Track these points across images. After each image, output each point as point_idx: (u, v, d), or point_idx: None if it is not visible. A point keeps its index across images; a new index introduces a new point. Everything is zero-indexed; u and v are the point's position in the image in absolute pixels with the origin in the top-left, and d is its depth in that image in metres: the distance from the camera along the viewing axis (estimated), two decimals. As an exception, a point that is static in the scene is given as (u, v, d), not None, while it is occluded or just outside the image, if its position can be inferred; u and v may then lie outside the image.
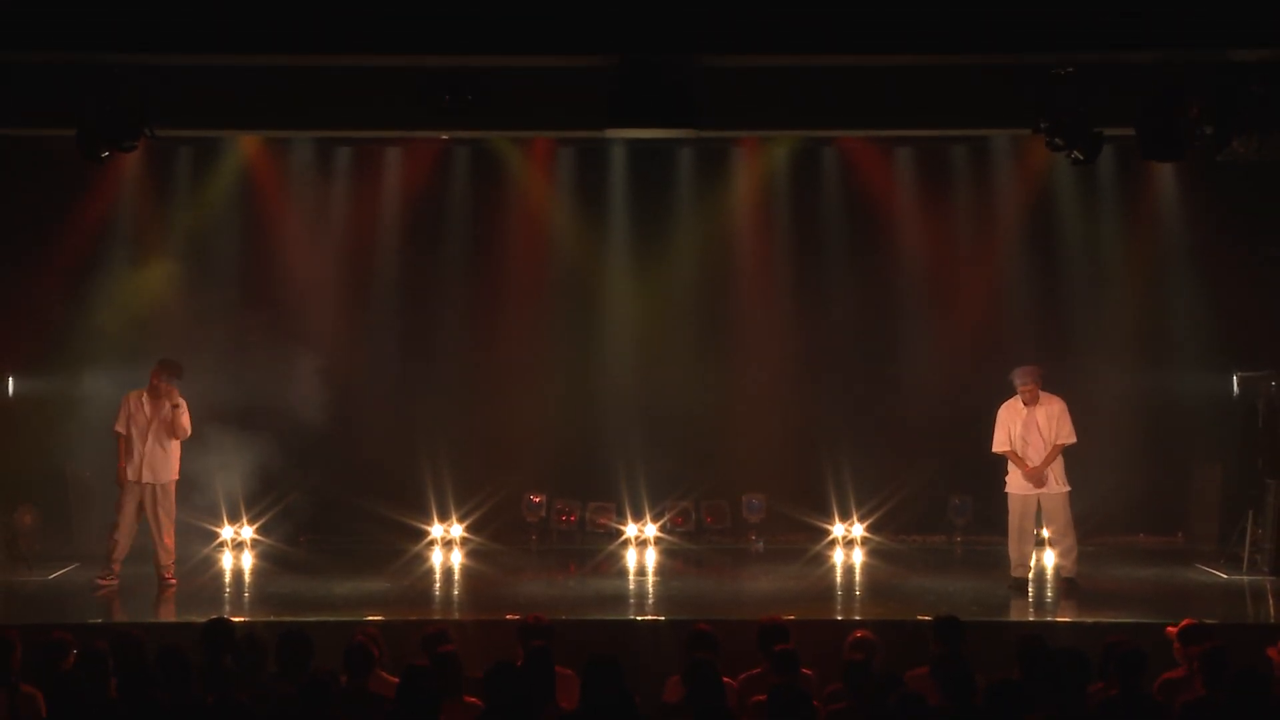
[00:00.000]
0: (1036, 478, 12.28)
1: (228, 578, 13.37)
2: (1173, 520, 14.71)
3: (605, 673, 7.24)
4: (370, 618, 10.63)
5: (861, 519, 14.60)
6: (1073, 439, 12.33)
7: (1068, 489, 12.37)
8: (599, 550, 14.30)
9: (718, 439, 15.00)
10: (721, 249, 15.12)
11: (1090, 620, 11.15)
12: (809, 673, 8.26)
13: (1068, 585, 12.27)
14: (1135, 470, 14.29)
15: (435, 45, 10.43)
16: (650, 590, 12.80)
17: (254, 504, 14.22)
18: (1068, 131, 11.01)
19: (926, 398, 14.76)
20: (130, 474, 12.40)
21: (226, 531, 14.22)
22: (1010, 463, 12.43)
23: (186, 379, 12.69)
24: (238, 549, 14.22)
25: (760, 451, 14.85)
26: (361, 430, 14.82)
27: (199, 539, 13.89)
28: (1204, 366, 14.59)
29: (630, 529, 14.64)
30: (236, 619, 10.11)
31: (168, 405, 12.38)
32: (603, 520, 14.79)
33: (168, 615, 11.72)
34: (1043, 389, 12.42)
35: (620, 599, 12.41)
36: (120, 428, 12.45)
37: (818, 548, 14.35)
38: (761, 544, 14.66)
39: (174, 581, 12.44)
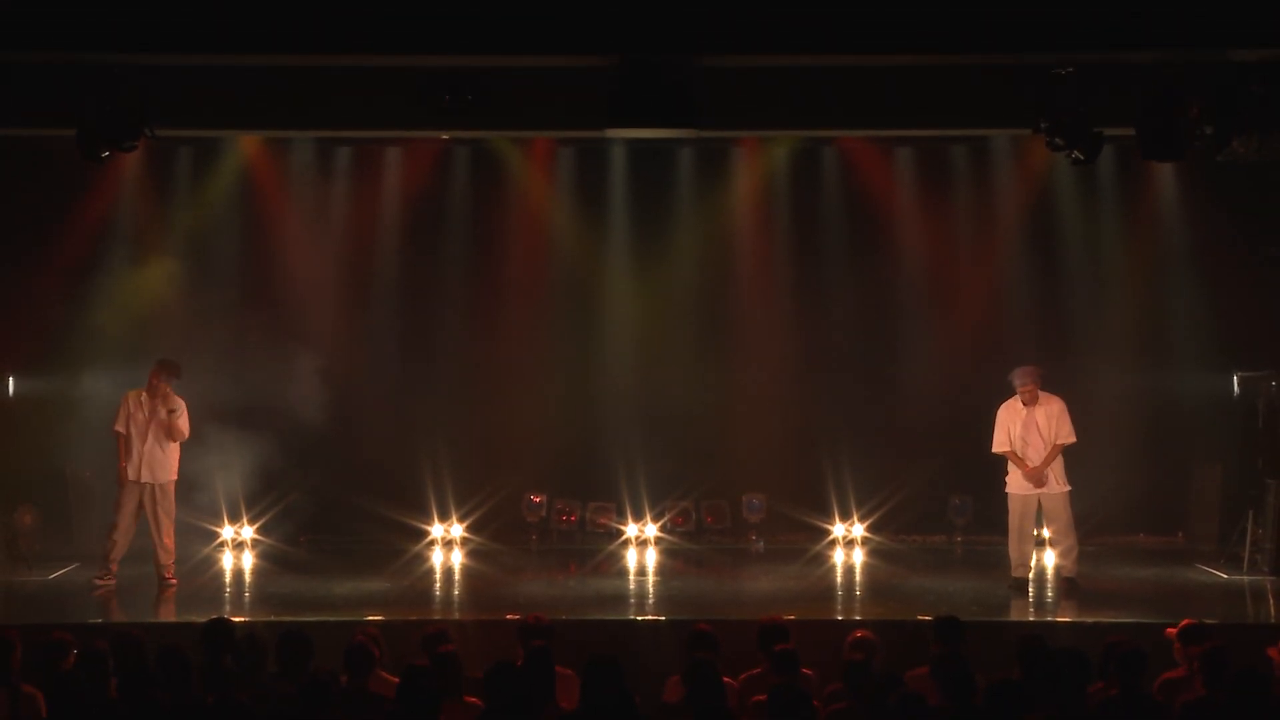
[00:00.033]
0: (1036, 478, 12.28)
1: (228, 578, 13.37)
2: (1173, 520, 14.71)
3: (605, 673, 7.23)
4: (370, 618, 10.62)
5: (861, 519, 14.60)
6: (1072, 438, 12.33)
7: (1068, 488, 12.37)
8: (599, 550, 14.30)
9: (718, 439, 15.00)
10: (721, 249, 15.12)
11: (1090, 620, 11.15)
12: (809, 673, 8.25)
13: (1068, 585, 12.27)
14: (1135, 470, 14.28)
15: (435, 45, 10.43)
16: (650, 590, 12.80)
17: (254, 504, 14.22)
18: (1068, 131, 11.01)
19: (926, 397, 14.76)
20: (130, 473, 12.41)
21: (227, 531, 14.22)
22: (1010, 463, 12.44)
23: (186, 379, 12.70)
24: (238, 549, 14.22)
25: (760, 451, 14.85)
26: (361, 430, 14.82)
27: (199, 539, 13.90)
28: (1204, 366, 14.58)
29: (630, 529, 14.64)
30: (236, 619, 10.11)
31: (163, 410, 12.38)
32: (603, 520, 14.79)
33: (168, 615, 11.73)
34: (1042, 389, 12.42)
35: (620, 599, 12.41)
36: (120, 427, 12.45)
37: (818, 548, 14.35)
38: (761, 544, 14.66)
39: (174, 581, 12.44)
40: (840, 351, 14.96)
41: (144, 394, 12.51)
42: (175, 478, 12.56)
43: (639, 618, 11.36)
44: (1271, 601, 12.33)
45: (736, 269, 15.16)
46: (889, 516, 14.52)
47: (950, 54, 10.64)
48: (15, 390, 14.61)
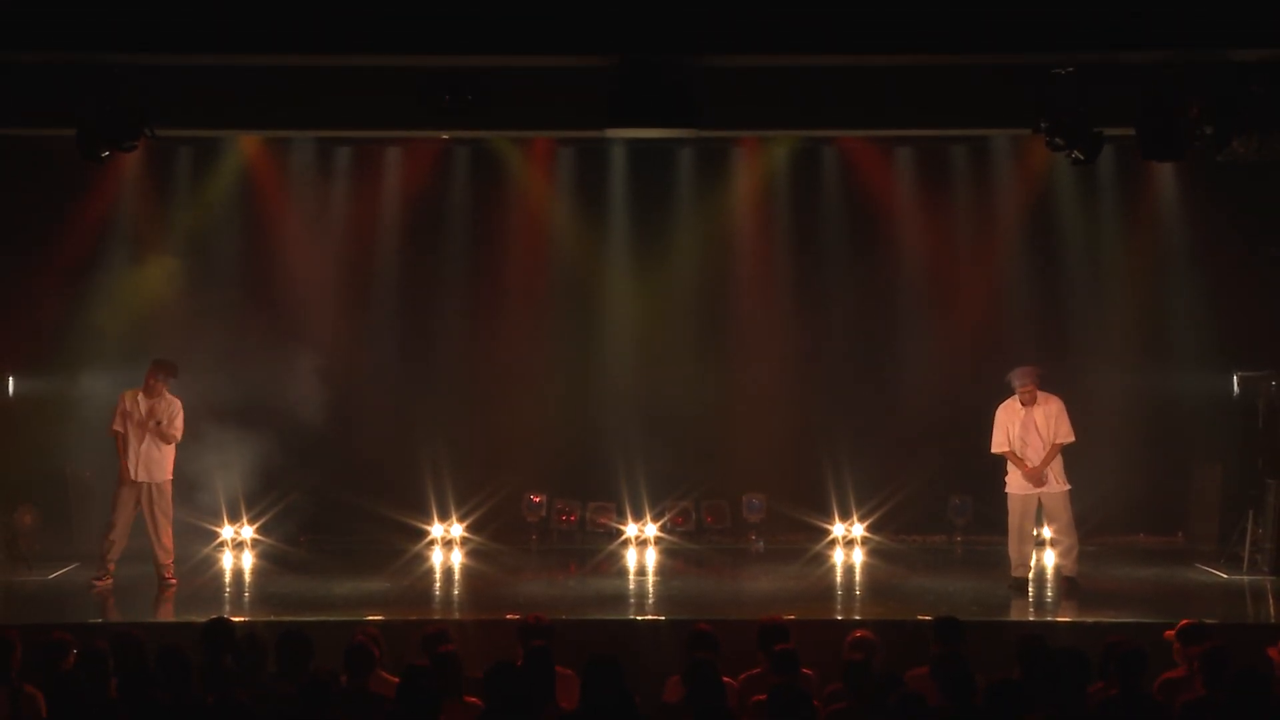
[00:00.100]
0: (1036, 477, 12.28)
1: (228, 577, 13.37)
2: (1173, 520, 14.71)
3: (605, 673, 7.23)
4: (370, 618, 10.62)
5: (861, 519, 14.60)
6: (1071, 438, 12.33)
7: (1068, 487, 12.37)
8: (599, 550, 14.30)
9: (718, 439, 15.00)
10: (721, 249, 15.12)
11: (1090, 620, 11.15)
12: (809, 673, 8.26)
13: (1068, 585, 12.27)
14: (1135, 470, 14.28)
15: (435, 45, 10.43)
16: (650, 590, 12.80)
17: (254, 504, 14.22)
18: (1068, 131, 11.01)
19: (926, 398, 14.75)
20: (129, 473, 12.41)
21: (227, 531, 14.22)
22: (1010, 463, 12.43)
23: (186, 379, 12.70)
24: (238, 549, 14.22)
25: (760, 451, 14.85)
26: (361, 430, 14.82)
27: (199, 538, 13.90)
28: (1204, 366, 14.58)
29: (630, 529, 14.64)
30: (236, 619, 10.09)
31: (151, 422, 12.36)
32: (603, 520, 14.79)
33: (167, 615, 11.73)
34: (1041, 389, 12.42)
35: (620, 599, 12.41)
36: (117, 426, 12.45)
37: (818, 548, 14.35)
38: (761, 544, 14.66)
39: (174, 581, 12.44)
40: (840, 351, 14.95)
41: (140, 394, 12.50)
42: (171, 477, 12.56)
43: (639, 618, 11.36)
44: (1271, 601, 12.33)
45: (736, 269, 15.15)
46: (889, 516, 14.52)
47: (950, 54, 10.64)
48: (15, 390, 14.61)
